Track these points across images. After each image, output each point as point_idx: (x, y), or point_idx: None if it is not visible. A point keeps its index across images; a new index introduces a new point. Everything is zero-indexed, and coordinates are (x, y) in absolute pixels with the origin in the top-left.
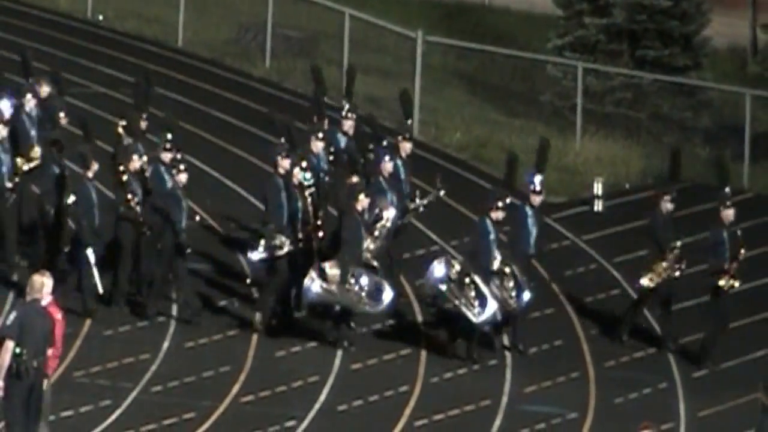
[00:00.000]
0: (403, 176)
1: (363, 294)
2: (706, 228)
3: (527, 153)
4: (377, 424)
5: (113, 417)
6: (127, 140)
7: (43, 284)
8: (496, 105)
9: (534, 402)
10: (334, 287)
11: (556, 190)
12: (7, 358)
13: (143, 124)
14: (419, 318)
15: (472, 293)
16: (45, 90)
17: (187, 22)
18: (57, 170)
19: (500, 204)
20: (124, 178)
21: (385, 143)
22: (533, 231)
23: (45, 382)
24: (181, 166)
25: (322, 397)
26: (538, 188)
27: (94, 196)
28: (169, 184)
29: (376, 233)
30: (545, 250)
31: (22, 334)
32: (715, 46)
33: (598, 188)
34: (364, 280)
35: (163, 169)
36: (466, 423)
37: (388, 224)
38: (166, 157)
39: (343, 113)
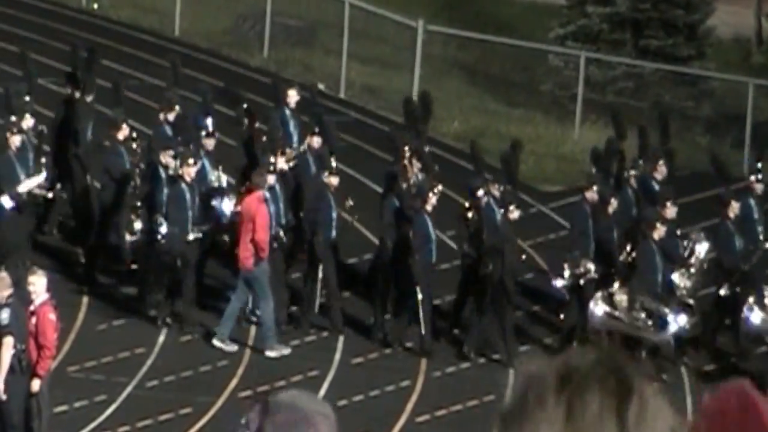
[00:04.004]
0: (756, 216)
1: (649, 322)
2: (707, 216)
3: (524, 143)
4: (378, 420)
5: (108, 412)
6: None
7: (9, 279)
8: (496, 95)
9: None
10: (619, 313)
11: (553, 179)
12: (8, 355)
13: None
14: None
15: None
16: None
17: (184, 11)
18: (397, 203)
19: None
20: (469, 215)
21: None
22: None
23: (38, 382)
24: (513, 206)
25: (323, 392)
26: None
27: (431, 231)
28: (499, 219)
29: (692, 269)
30: None
31: (18, 329)
32: (720, 36)
33: None
34: (651, 308)
35: (493, 202)
36: (469, 418)
37: (701, 256)
38: (497, 191)
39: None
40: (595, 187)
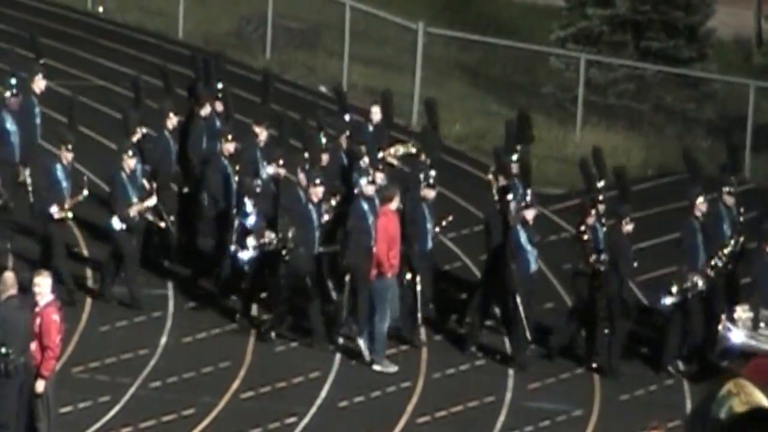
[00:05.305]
0: None
1: None
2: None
3: None
4: (379, 421)
5: (112, 413)
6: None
7: (14, 279)
8: (497, 97)
9: (538, 398)
10: (747, 332)
11: (555, 182)
12: None
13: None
14: (419, 314)
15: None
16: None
17: (187, 13)
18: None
19: None
20: (585, 237)
21: None
22: None
23: (43, 383)
24: (627, 219)
25: (323, 393)
26: None
27: (523, 242)
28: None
29: None
30: None
31: (5, 332)
32: (720, 37)
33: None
34: None
35: (598, 225)
36: (470, 419)
37: None
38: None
39: None
40: (701, 198)
